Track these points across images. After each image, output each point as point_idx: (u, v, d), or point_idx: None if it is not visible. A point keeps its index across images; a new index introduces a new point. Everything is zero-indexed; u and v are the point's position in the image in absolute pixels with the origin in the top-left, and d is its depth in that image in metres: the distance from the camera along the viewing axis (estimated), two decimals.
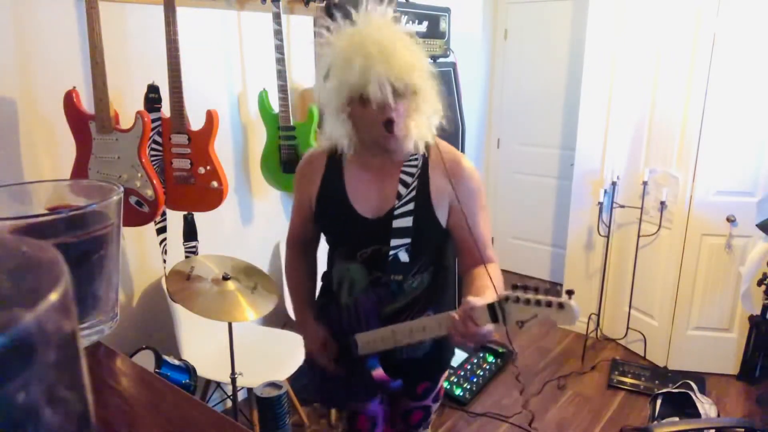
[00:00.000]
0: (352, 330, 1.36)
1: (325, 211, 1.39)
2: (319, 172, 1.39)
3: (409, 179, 1.31)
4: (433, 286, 1.40)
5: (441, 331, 1.20)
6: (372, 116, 1.21)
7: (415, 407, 1.58)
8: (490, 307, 1.10)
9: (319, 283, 1.58)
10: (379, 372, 1.37)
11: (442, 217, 1.33)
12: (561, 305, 1.04)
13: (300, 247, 1.55)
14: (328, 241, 1.46)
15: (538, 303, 1.06)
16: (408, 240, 1.28)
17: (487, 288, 1.23)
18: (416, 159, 1.33)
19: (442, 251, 1.41)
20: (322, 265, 1.58)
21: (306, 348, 1.51)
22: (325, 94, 1.26)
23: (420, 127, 1.27)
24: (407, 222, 1.28)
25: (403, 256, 1.29)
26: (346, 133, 1.28)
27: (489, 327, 1.12)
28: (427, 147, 1.34)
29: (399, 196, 1.30)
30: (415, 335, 1.25)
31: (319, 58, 1.27)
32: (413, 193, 1.30)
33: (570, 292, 1.04)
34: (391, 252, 1.29)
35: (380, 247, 1.31)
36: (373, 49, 1.16)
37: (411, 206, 1.29)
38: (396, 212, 1.29)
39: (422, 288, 1.38)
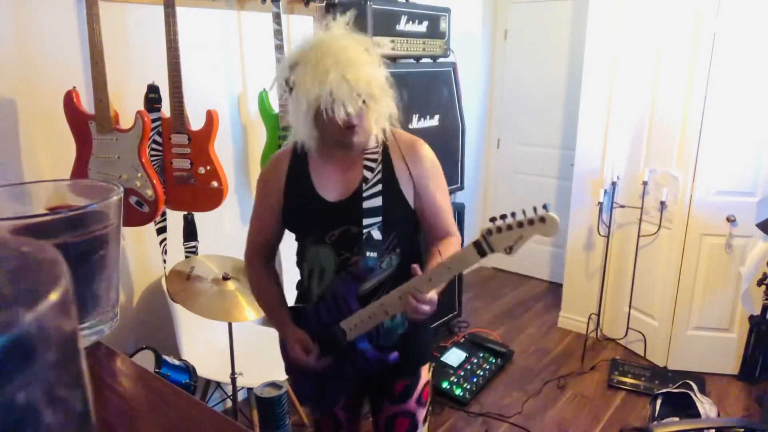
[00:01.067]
0: (334, 320, 1.40)
1: (293, 202, 1.47)
2: (283, 170, 1.48)
3: (372, 164, 1.42)
4: (401, 267, 1.44)
5: (401, 306, 1.30)
6: (334, 123, 1.29)
7: (398, 413, 1.54)
8: (476, 245, 1.19)
9: (294, 293, 1.61)
10: (372, 351, 1.41)
11: (409, 197, 1.43)
12: (543, 219, 1.12)
13: (261, 257, 1.58)
14: (297, 233, 1.52)
15: (520, 225, 1.14)
16: (379, 219, 1.38)
17: (441, 255, 1.35)
18: (376, 148, 1.43)
19: (410, 234, 1.49)
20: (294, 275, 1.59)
21: (289, 351, 1.49)
22: (291, 105, 1.36)
23: (378, 124, 1.39)
24: (377, 202, 1.38)
25: (376, 234, 1.38)
26: (311, 135, 1.39)
27: (431, 295, 1.28)
28: (386, 137, 1.44)
29: (365, 180, 1.40)
30: (380, 314, 1.34)
31: (283, 69, 1.35)
32: (379, 176, 1.40)
33: (545, 206, 1.12)
34: (365, 230, 1.38)
35: (348, 227, 1.40)
36: (332, 70, 1.24)
37: (379, 187, 1.39)
38: (365, 194, 1.39)
39: (391, 269, 1.44)
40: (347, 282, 1.39)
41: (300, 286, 1.56)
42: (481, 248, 1.19)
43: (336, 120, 1.28)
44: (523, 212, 1.14)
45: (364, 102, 1.29)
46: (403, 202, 1.42)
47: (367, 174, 1.40)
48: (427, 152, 1.46)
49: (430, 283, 1.26)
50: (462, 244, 1.49)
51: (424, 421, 1.58)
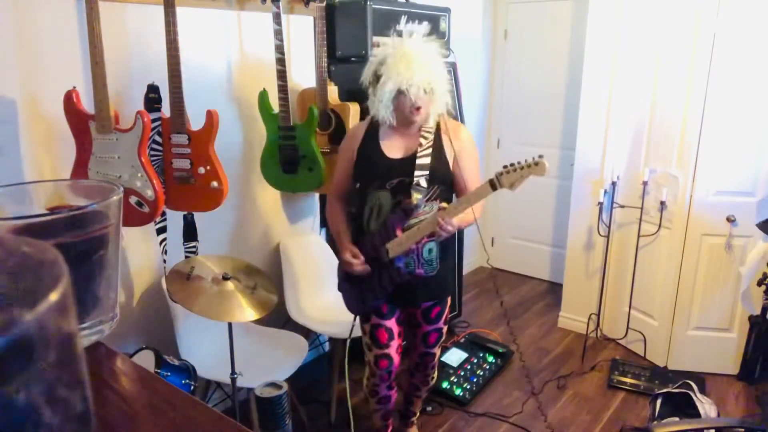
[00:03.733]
0: (383, 243, 1.92)
1: (364, 157, 2.01)
2: (360, 134, 2.04)
3: (428, 135, 1.95)
4: None
5: (432, 227, 1.82)
6: (408, 104, 1.86)
7: (431, 330, 2.17)
8: (490, 182, 1.74)
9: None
10: (405, 268, 1.95)
11: (450, 160, 1.97)
12: (536, 162, 1.67)
13: (337, 198, 2.15)
14: (364, 181, 2.00)
15: (521, 168, 1.69)
16: (426, 172, 1.91)
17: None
18: (431, 127, 1.96)
19: (448, 191, 2.00)
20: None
21: (344, 265, 2.03)
22: (379, 91, 1.86)
23: (435, 111, 1.94)
24: (426, 160, 1.92)
25: (423, 182, 1.90)
26: (389, 113, 1.90)
27: (454, 221, 1.81)
28: (439, 121, 1.99)
29: (420, 145, 1.93)
30: (427, 226, 1.84)
31: (373, 64, 1.90)
32: (431, 144, 1.94)
33: (540, 156, 1.67)
34: (415, 179, 1.90)
35: (403, 178, 1.92)
36: (414, 64, 1.79)
37: (429, 151, 1.93)
38: (419, 154, 1.92)
39: (432, 213, 1.90)
40: (398, 215, 1.91)
41: (358, 225, 2.05)
42: (493, 184, 1.73)
43: (408, 101, 1.83)
44: (525, 159, 1.69)
45: (429, 92, 1.83)
46: (445, 164, 1.96)
47: (423, 141, 1.94)
48: (466, 133, 2.05)
49: (454, 210, 1.80)
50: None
51: (445, 332, 2.23)
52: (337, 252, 2.13)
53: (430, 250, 1.97)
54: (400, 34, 1.91)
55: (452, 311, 3.54)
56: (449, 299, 2.20)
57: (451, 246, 2.17)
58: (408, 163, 1.93)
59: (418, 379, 2.33)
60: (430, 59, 1.84)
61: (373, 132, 2.01)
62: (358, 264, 1.98)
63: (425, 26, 1.89)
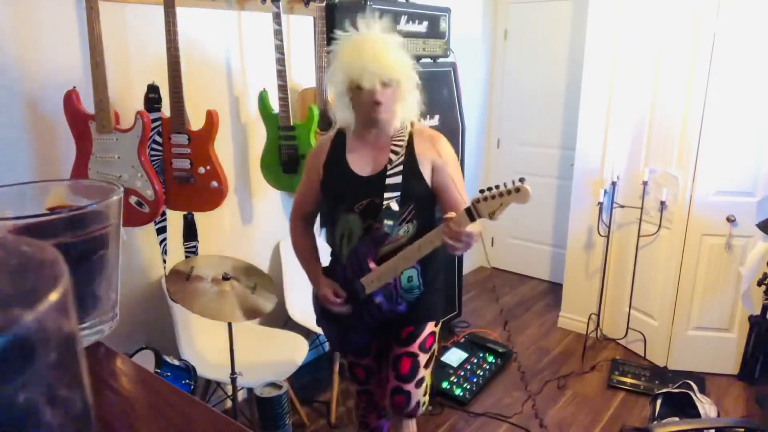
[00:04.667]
0: (356, 277, 1.69)
1: (330, 174, 1.76)
2: (325, 148, 1.78)
3: (398, 149, 1.69)
4: (417, 236, 1.66)
5: (435, 243, 1.55)
6: (365, 99, 1.60)
7: (402, 354, 1.81)
8: (467, 210, 1.46)
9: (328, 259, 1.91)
10: (386, 303, 1.71)
11: (427, 175, 1.70)
12: (518, 189, 1.40)
13: (302, 220, 1.89)
14: (332, 201, 1.78)
15: (500, 195, 1.41)
16: (398, 193, 1.65)
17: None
18: (403, 135, 1.71)
19: (427, 209, 1.76)
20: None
21: (320, 298, 1.79)
22: (330, 83, 1.67)
23: (404, 111, 1.69)
24: (397, 179, 1.66)
25: (394, 206, 1.65)
26: (348, 114, 1.70)
27: (471, 228, 1.47)
28: (412, 127, 1.73)
29: (390, 161, 1.68)
30: (411, 257, 1.61)
31: (329, 58, 1.67)
32: (402, 159, 1.68)
33: (522, 179, 1.40)
34: (385, 201, 1.65)
35: (373, 199, 1.67)
36: (367, 53, 1.56)
37: (401, 167, 1.67)
38: (389, 172, 1.67)
39: (408, 236, 1.70)
40: (367, 244, 1.67)
41: (332, 250, 1.83)
42: (470, 213, 1.46)
43: (366, 95, 1.58)
44: (504, 184, 1.42)
45: (389, 82, 1.58)
46: (420, 181, 1.69)
47: (393, 156, 1.68)
48: (444, 143, 1.75)
49: (431, 243, 1.55)
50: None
51: (426, 365, 1.85)
52: (312, 285, 1.88)
53: (409, 278, 1.72)
54: (356, 26, 1.65)
55: (452, 311, 3.54)
56: (434, 325, 1.86)
57: (439, 264, 1.85)
58: (377, 180, 1.67)
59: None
60: (387, 48, 1.58)
61: (339, 144, 1.76)
62: (340, 303, 1.75)
63: (385, 21, 1.63)
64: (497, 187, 1.42)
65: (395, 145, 1.69)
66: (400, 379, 1.80)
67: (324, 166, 1.76)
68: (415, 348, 1.80)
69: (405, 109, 1.68)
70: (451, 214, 1.48)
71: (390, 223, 1.64)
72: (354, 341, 1.85)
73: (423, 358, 1.82)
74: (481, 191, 1.44)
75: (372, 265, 1.66)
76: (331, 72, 1.63)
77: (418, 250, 1.58)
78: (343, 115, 1.71)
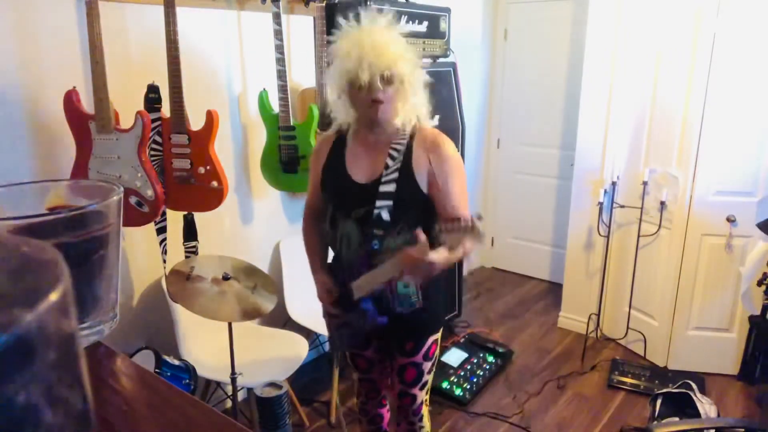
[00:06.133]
0: (349, 280, 1.64)
1: (328, 179, 1.69)
2: (326, 149, 1.70)
3: (396, 153, 1.58)
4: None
5: (397, 269, 1.47)
6: (363, 97, 1.49)
7: (407, 364, 1.81)
8: (429, 238, 1.37)
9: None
10: (372, 313, 1.66)
11: (423, 184, 1.58)
12: (472, 227, 1.32)
13: (313, 215, 1.84)
14: (332, 205, 1.70)
15: (459, 230, 1.34)
16: (390, 202, 1.55)
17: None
18: (404, 137, 1.59)
19: (423, 218, 1.60)
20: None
21: (318, 296, 1.78)
22: (329, 80, 1.58)
23: (406, 111, 1.57)
24: (391, 187, 1.56)
25: (385, 215, 1.56)
26: (346, 113, 1.61)
27: (432, 256, 1.37)
28: (414, 129, 1.61)
29: (387, 167, 1.58)
30: (387, 272, 1.52)
31: (329, 51, 1.57)
32: (398, 165, 1.57)
33: (479, 217, 1.34)
34: (375, 211, 1.56)
35: (370, 207, 1.57)
36: (366, 44, 1.44)
37: (395, 174, 1.57)
38: (383, 179, 1.57)
39: (403, 246, 1.56)
40: (362, 254, 1.61)
41: (333, 248, 1.76)
42: (432, 242, 1.37)
43: (364, 92, 1.47)
44: (467, 219, 1.34)
45: (390, 78, 1.47)
46: (415, 188, 1.57)
47: (389, 161, 1.58)
48: (447, 144, 1.62)
49: (393, 269, 1.47)
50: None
51: (430, 371, 1.86)
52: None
53: (406, 285, 1.62)
54: (357, 19, 1.54)
55: (452, 311, 3.54)
56: (437, 336, 1.84)
57: (441, 277, 1.68)
58: (373, 188, 1.58)
59: (403, 429, 1.94)
60: (389, 40, 1.47)
61: (339, 146, 1.68)
62: (329, 300, 1.74)
63: (390, 17, 1.52)
64: (459, 220, 1.36)
65: (393, 148, 1.58)
66: (406, 385, 1.84)
67: (323, 170, 1.70)
68: (419, 358, 1.80)
69: (407, 110, 1.56)
70: (419, 234, 1.38)
71: (380, 233, 1.55)
72: (347, 340, 1.83)
73: (427, 365, 1.83)
74: (446, 221, 1.39)
75: (363, 272, 1.59)
76: (330, 67, 1.55)
77: (392, 266, 1.49)
78: (342, 115, 1.63)
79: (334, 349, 1.95)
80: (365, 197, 1.58)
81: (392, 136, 1.60)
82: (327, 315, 1.84)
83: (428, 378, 1.87)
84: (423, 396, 1.89)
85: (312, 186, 1.80)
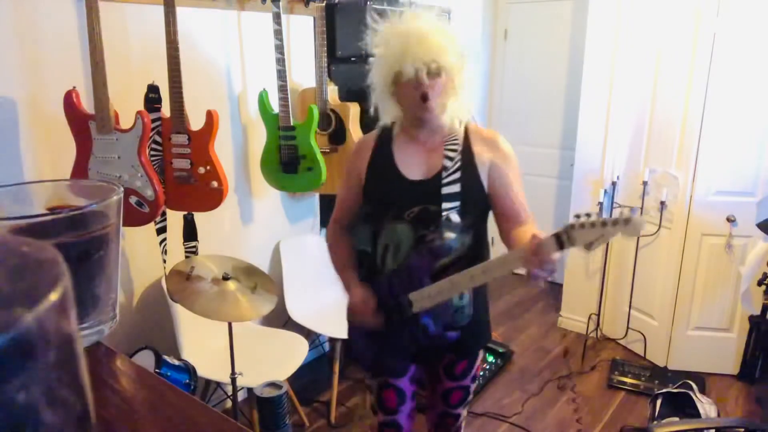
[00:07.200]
0: (404, 291, 1.48)
1: (375, 178, 1.56)
2: (369, 149, 1.58)
3: (452, 153, 1.49)
4: (473, 246, 1.52)
5: (506, 268, 1.38)
6: (410, 92, 1.40)
7: (455, 388, 1.70)
8: (557, 236, 1.22)
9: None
10: (434, 327, 1.50)
11: (485, 181, 1.50)
12: (628, 220, 1.13)
13: (339, 227, 1.71)
14: (378, 209, 1.57)
15: (603, 224, 1.16)
16: (458, 203, 1.45)
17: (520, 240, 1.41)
18: (456, 137, 1.51)
19: (482, 217, 1.56)
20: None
21: (350, 308, 1.60)
22: (373, 77, 1.48)
23: (456, 107, 1.46)
24: (456, 188, 1.46)
25: (455, 217, 1.45)
26: (392, 111, 1.50)
27: (557, 255, 1.25)
28: (466, 126, 1.53)
29: (445, 168, 1.47)
30: (477, 279, 1.39)
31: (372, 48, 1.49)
32: (459, 164, 1.48)
33: (632, 210, 1.15)
34: (444, 212, 1.45)
35: (427, 206, 1.47)
36: (411, 35, 1.37)
37: (458, 174, 1.47)
38: (444, 180, 1.46)
39: (464, 248, 1.50)
40: (424, 257, 1.47)
41: (369, 263, 1.61)
42: (560, 240, 1.22)
43: (411, 88, 1.38)
44: (611, 214, 1.20)
45: (437, 71, 1.37)
46: (479, 187, 1.50)
47: (447, 163, 1.48)
48: (505, 142, 1.55)
49: (504, 267, 1.37)
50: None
51: (474, 389, 1.78)
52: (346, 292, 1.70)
53: (461, 296, 1.53)
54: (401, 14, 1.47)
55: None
56: (482, 351, 1.75)
57: (485, 285, 1.65)
58: (432, 186, 1.47)
59: None
60: (436, 30, 1.39)
61: (384, 145, 1.56)
62: (368, 313, 1.54)
63: (436, 10, 1.45)
64: (598, 215, 1.19)
65: (449, 149, 1.49)
66: (450, 407, 1.74)
67: (368, 169, 1.56)
68: (467, 381, 1.70)
69: (456, 108, 1.46)
70: (539, 237, 1.25)
71: (452, 236, 1.45)
72: (387, 363, 1.65)
73: (472, 387, 1.74)
74: (577, 215, 1.20)
75: (427, 281, 1.45)
76: (374, 64, 1.46)
77: (483, 273, 1.38)
78: (388, 112, 1.52)
79: (372, 374, 1.72)
80: (420, 195, 1.48)
81: (444, 135, 1.51)
82: (363, 336, 1.64)
83: (471, 396, 1.77)
84: (465, 412, 1.80)
85: (345, 193, 1.66)
